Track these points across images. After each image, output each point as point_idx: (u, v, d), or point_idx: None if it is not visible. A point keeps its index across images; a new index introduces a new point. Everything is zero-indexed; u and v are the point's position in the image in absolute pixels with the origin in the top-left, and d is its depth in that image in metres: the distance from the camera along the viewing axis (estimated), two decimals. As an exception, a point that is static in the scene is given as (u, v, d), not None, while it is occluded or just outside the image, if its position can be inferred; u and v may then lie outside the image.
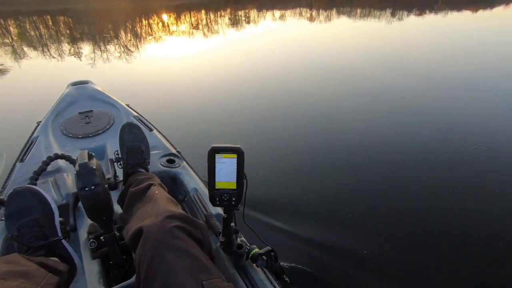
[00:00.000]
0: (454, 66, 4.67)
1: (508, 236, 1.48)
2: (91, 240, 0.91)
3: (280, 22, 12.31)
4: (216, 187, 0.74)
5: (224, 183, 0.74)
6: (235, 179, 0.74)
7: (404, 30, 8.99)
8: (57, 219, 0.77)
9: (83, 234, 0.98)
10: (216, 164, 0.72)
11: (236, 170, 0.73)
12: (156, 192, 0.82)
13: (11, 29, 9.75)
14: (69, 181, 1.12)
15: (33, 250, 0.66)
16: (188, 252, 0.61)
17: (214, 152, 0.71)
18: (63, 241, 0.75)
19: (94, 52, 6.19)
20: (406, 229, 1.54)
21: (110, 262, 0.90)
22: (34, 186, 0.76)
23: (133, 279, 0.81)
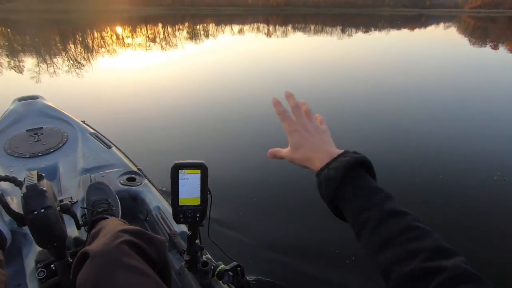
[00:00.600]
0: (401, 76, 5.18)
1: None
2: (39, 269, 0.82)
3: (239, 36, 12.56)
4: (180, 204, 0.72)
5: (188, 199, 0.73)
6: (199, 194, 0.73)
7: (356, 44, 9.74)
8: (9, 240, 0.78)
9: (30, 263, 0.88)
10: (180, 181, 0.70)
11: (200, 185, 0.72)
12: (111, 220, 0.77)
13: None
14: (14, 205, 1.02)
15: None
16: (142, 271, 0.55)
17: (177, 168, 0.69)
18: None
19: (45, 65, 5.77)
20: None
21: None
22: None
23: None
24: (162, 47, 8.64)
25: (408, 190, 1.97)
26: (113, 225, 0.72)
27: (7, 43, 8.33)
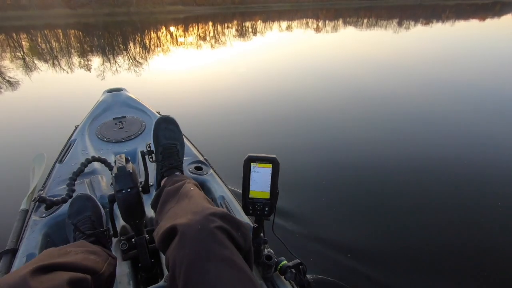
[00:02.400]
0: (463, 74, 4.64)
1: None
2: (122, 241, 0.91)
3: (288, 32, 12.44)
4: (250, 196, 0.73)
5: (257, 192, 0.73)
6: (269, 189, 0.73)
7: (413, 40, 9.00)
8: (104, 217, 0.93)
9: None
10: (251, 173, 0.71)
11: (270, 180, 0.72)
12: (192, 189, 0.75)
13: (52, 42, 10.24)
14: (103, 183, 1.15)
15: (85, 236, 0.81)
16: (233, 262, 0.54)
17: (249, 161, 0.70)
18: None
19: (129, 62, 6.52)
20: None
21: (139, 265, 0.90)
22: (89, 194, 0.94)
23: (161, 282, 0.80)
24: (220, 44, 8.98)
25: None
26: (198, 197, 0.70)
27: (108, 42, 9.43)
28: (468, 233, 1.53)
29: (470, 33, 9.99)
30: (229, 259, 0.54)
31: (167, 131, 0.96)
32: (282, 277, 0.87)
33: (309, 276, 1.21)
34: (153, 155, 0.95)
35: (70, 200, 0.92)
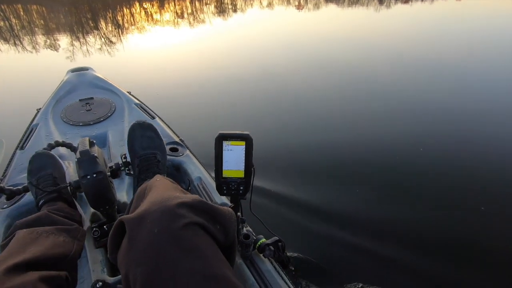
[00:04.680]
0: (444, 54, 4.71)
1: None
2: (94, 229, 0.88)
3: (268, 10, 12.15)
4: (224, 176, 0.71)
5: (231, 171, 0.71)
6: (243, 167, 0.71)
7: (395, 17, 9.02)
8: (68, 173, 0.89)
9: (85, 223, 0.95)
10: (224, 152, 0.68)
11: (244, 158, 0.70)
12: (158, 179, 0.63)
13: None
14: (71, 169, 1.09)
15: (47, 193, 0.78)
16: (207, 274, 0.42)
17: (221, 138, 0.67)
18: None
19: (95, 39, 6.07)
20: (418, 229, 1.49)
21: None
22: (49, 152, 0.90)
23: None
24: (195, 22, 8.63)
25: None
26: (164, 186, 0.58)
27: (68, 18, 8.79)
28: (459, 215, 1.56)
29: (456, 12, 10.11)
30: (203, 271, 0.42)
31: (144, 140, 0.85)
32: (261, 255, 0.87)
33: (288, 254, 1.23)
34: (130, 166, 0.86)
35: (29, 159, 0.87)
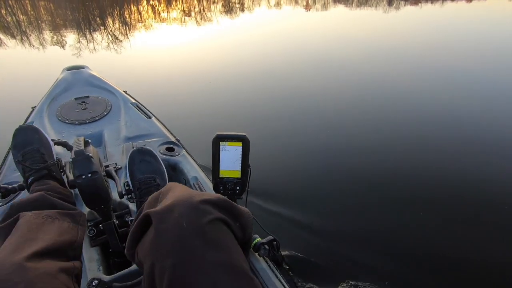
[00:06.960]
0: (452, 58, 4.66)
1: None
2: (89, 227, 0.89)
3: (276, 10, 12.11)
4: (220, 176, 0.73)
5: (228, 171, 0.73)
6: (240, 167, 0.72)
7: (403, 20, 8.93)
8: (54, 149, 0.87)
9: None
10: (221, 152, 0.70)
11: (241, 158, 0.72)
12: (172, 184, 0.64)
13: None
14: (66, 168, 1.10)
15: (34, 171, 0.76)
16: (232, 266, 0.45)
17: (218, 139, 0.69)
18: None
19: (91, 37, 6.03)
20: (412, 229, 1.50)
21: (110, 250, 0.89)
22: (33, 125, 0.88)
23: (134, 266, 0.79)
24: (198, 22, 8.62)
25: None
26: (182, 188, 0.59)
27: (62, 16, 8.83)
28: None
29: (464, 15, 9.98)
30: (226, 263, 0.44)
31: (142, 164, 0.88)
32: (256, 253, 0.89)
33: (282, 253, 1.25)
34: (133, 194, 0.88)
35: (13, 132, 0.85)
